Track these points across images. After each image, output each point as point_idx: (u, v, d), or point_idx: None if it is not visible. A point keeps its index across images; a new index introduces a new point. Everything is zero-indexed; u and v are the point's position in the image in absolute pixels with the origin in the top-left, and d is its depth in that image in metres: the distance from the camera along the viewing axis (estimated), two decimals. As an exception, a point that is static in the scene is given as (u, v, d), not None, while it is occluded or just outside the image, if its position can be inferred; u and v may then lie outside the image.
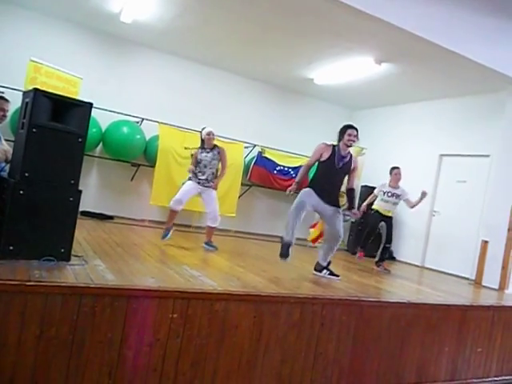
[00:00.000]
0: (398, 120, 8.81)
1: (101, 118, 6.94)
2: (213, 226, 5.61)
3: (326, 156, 4.58)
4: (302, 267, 5.31)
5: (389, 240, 6.34)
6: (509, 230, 6.01)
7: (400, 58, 6.37)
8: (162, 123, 7.35)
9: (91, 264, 3.39)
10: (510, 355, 4.71)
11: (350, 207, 4.97)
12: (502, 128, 6.42)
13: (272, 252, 6.45)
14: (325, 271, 4.71)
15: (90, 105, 3.43)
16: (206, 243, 5.58)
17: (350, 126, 4.67)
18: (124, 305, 2.81)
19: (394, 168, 6.42)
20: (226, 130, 8.07)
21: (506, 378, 4.68)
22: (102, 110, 6.79)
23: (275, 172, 8.48)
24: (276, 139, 8.72)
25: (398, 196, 6.34)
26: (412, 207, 6.43)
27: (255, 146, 8.41)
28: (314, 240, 5.82)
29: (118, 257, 3.97)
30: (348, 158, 4.67)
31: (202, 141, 5.59)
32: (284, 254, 4.56)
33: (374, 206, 6.46)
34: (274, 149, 8.57)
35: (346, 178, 4.82)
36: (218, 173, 5.61)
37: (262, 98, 8.89)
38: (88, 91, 6.54)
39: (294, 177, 8.63)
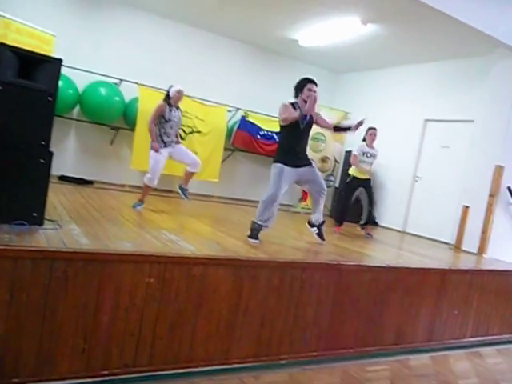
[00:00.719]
0: (383, 84, 8.67)
1: (77, 79, 6.67)
2: (193, 171, 5.38)
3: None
4: (285, 232, 5.29)
5: (372, 202, 6.32)
6: (490, 195, 6.04)
7: (386, 18, 6.18)
8: (141, 85, 7.10)
9: (66, 228, 3.29)
10: (485, 317, 4.82)
11: (348, 128, 4.72)
12: (486, 93, 6.35)
13: (254, 217, 6.43)
14: (314, 229, 4.66)
15: (60, 61, 3.24)
16: (181, 188, 5.39)
17: (310, 80, 4.33)
18: (98, 269, 2.75)
19: (370, 128, 6.31)
20: (207, 92, 7.88)
21: (481, 338, 4.80)
22: (78, 70, 6.52)
23: (259, 137, 8.34)
24: (260, 103, 8.53)
25: (374, 156, 6.30)
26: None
27: (238, 109, 8.23)
28: None
29: (94, 221, 3.88)
30: (309, 115, 4.30)
31: (169, 98, 5.19)
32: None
33: (350, 172, 6.32)
34: (257, 113, 8.40)
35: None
36: None
37: (246, 60, 8.64)
38: (62, 50, 6.19)
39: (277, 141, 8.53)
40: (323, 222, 4.69)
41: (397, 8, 5.72)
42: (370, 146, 6.30)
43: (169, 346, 3.02)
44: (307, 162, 4.41)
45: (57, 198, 4.79)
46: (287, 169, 4.21)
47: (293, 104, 4.34)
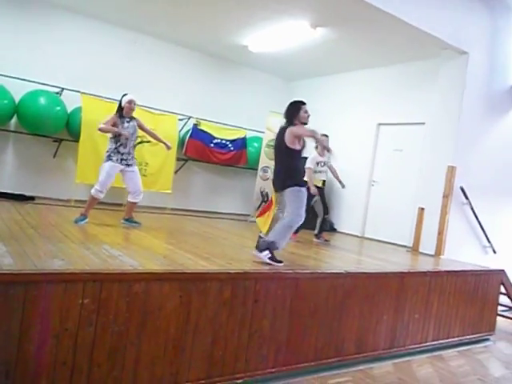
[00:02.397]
0: (336, 89, 8.67)
1: (13, 88, 6.23)
2: (133, 201, 5.17)
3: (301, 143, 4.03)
4: (240, 243, 5.06)
5: (326, 211, 6.22)
6: (443, 196, 6.05)
7: (336, 22, 6.14)
8: (84, 93, 6.74)
9: (-12, 248, 2.93)
10: (446, 319, 4.74)
11: None
12: (435, 95, 6.40)
13: (210, 228, 6.18)
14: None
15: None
16: (127, 220, 5.14)
17: (303, 102, 4.15)
18: (21, 292, 2.41)
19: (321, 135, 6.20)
20: (157, 101, 7.60)
21: (442, 341, 4.71)
22: (13, 78, 6.11)
23: (212, 145, 8.11)
24: (212, 111, 8.33)
25: (327, 163, 6.26)
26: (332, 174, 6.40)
27: (190, 117, 7.99)
28: None
29: (26, 239, 3.51)
30: None
31: (121, 109, 4.97)
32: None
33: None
34: (210, 121, 8.18)
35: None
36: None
37: (197, 67, 8.42)
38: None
39: (232, 150, 8.35)
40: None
41: (345, 11, 5.67)
42: (322, 154, 6.15)
43: (108, 373, 2.70)
44: None
45: (-12, 215, 4.37)
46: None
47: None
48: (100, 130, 4.89)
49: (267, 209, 4.12)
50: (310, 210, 6.20)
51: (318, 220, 6.24)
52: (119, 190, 7.26)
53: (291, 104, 4.15)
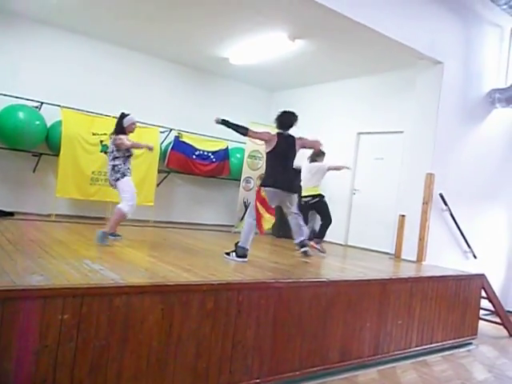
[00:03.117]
0: (316, 100, 8.77)
1: (-10, 103, 6.18)
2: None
3: None
4: (223, 254, 5.03)
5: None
6: (423, 203, 6.14)
7: (313, 33, 6.24)
8: (64, 107, 6.70)
9: (-35, 265, 2.88)
10: (429, 324, 4.79)
11: None
12: (413, 104, 6.53)
13: (192, 240, 6.16)
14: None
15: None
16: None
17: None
18: (-1, 309, 2.37)
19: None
20: (138, 113, 7.38)
21: (426, 347, 4.75)
22: (-9, 93, 6.05)
23: (194, 157, 8.12)
24: (194, 123, 8.34)
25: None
26: None
27: (171, 130, 7.99)
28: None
29: (4, 255, 3.46)
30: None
31: (123, 128, 4.99)
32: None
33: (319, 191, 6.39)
34: (192, 133, 8.20)
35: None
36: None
37: (177, 79, 8.45)
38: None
39: (214, 161, 8.37)
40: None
41: (322, 23, 5.77)
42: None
43: (90, 389, 2.66)
44: None
45: (-35, 232, 4.29)
46: None
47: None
48: (136, 146, 5.11)
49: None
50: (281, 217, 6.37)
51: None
52: (101, 204, 7.23)
53: (292, 113, 4.89)
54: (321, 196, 6.31)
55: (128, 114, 5.08)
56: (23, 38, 6.83)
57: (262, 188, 4.56)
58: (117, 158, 4.91)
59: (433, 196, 6.14)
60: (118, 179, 4.88)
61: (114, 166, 4.90)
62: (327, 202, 6.41)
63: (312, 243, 6.04)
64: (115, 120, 7.00)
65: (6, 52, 6.66)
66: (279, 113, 4.87)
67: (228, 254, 4.50)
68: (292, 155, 4.77)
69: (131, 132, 5.11)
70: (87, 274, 3.08)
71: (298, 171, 5.99)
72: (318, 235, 6.27)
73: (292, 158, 4.77)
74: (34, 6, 6.30)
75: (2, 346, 2.38)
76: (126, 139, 4.93)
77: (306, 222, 6.36)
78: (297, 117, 4.90)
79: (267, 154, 4.78)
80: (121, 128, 5.00)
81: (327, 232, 6.38)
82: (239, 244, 4.45)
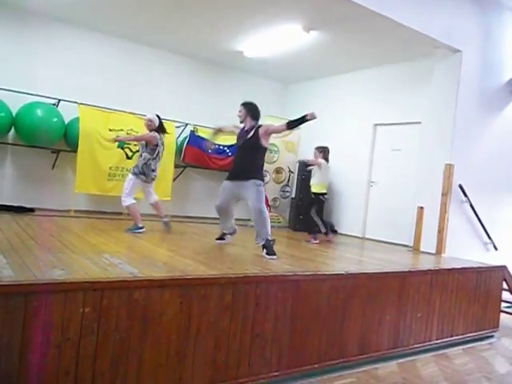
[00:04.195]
0: (332, 92, 8.69)
1: (10, 101, 6.26)
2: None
3: None
4: (241, 246, 5.06)
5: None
6: (442, 194, 6.05)
7: (328, 24, 6.17)
8: (81, 104, 6.76)
9: (-12, 260, 2.93)
10: (449, 317, 4.73)
11: (303, 118, 4.57)
12: (430, 94, 6.42)
13: (209, 234, 6.17)
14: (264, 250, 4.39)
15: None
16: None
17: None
18: (22, 303, 2.41)
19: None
20: (153, 109, 7.52)
21: (446, 340, 4.70)
22: (10, 91, 6.13)
23: (210, 151, 8.11)
24: (209, 117, 8.31)
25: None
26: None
27: (187, 124, 8.00)
28: None
29: (26, 250, 3.51)
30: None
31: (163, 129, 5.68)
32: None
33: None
34: (207, 127, 8.18)
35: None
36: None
37: (192, 74, 8.45)
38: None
39: (230, 155, 8.36)
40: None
41: (337, 14, 5.70)
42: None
43: (112, 382, 2.69)
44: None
45: (-13, 228, 4.38)
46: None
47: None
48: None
49: None
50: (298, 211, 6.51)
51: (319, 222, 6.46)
52: (119, 199, 7.29)
53: (255, 107, 4.79)
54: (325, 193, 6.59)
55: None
56: (40, 36, 6.90)
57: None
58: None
59: (452, 187, 6.05)
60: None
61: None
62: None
63: (312, 241, 6.21)
64: (131, 116, 7.11)
65: (24, 51, 6.74)
66: (252, 104, 4.84)
67: (268, 254, 4.32)
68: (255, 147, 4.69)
69: (147, 127, 5.62)
70: (106, 268, 3.12)
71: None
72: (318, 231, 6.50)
73: (255, 149, 4.70)
74: (51, 4, 6.36)
75: (25, 339, 2.42)
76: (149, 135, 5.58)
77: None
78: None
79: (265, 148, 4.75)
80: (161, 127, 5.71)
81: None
82: (265, 241, 4.40)
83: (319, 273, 3.77)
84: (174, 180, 7.85)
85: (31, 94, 6.49)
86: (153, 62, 7.96)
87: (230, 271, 3.40)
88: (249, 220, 8.25)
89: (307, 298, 3.57)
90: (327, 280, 3.72)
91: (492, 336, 5.29)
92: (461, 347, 4.79)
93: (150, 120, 5.54)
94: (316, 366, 3.63)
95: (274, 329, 3.38)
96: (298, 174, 8.48)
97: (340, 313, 3.78)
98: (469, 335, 4.98)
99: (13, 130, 6.48)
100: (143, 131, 7.39)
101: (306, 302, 3.56)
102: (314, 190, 6.50)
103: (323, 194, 6.47)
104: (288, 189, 8.71)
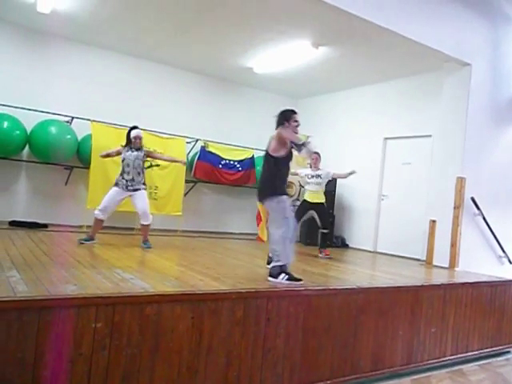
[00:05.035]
0: (341, 106, 8.73)
1: (25, 119, 6.40)
2: (146, 223, 5.50)
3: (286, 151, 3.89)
4: (251, 262, 5.05)
5: (324, 225, 6.37)
6: (454, 207, 6.00)
7: (337, 40, 6.24)
8: (94, 121, 6.88)
9: (3, 276, 2.97)
10: (464, 332, 4.66)
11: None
12: (440, 107, 6.42)
13: (220, 249, 6.19)
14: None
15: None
16: (143, 242, 5.44)
17: (295, 111, 3.98)
18: (35, 318, 2.43)
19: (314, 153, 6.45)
20: (165, 125, 7.73)
21: (461, 355, 4.61)
22: (25, 109, 6.27)
23: (220, 166, 8.18)
24: (219, 133, 8.43)
25: (318, 176, 6.42)
26: (343, 177, 6.67)
27: (198, 140, 8.08)
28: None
29: (40, 266, 3.55)
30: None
31: (129, 141, 5.50)
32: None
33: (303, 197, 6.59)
34: (217, 142, 8.27)
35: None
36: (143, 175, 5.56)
37: (202, 90, 8.56)
38: (7, 89, 6.03)
39: (240, 170, 8.41)
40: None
41: (346, 29, 5.76)
42: (314, 167, 6.49)
43: (123, 397, 2.70)
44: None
45: (2, 244, 4.45)
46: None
47: None
48: (101, 155, 5.68)
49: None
50: (310, 225, 6.41)
51: (319, 235, 6.47)
52: (130, 215, 7.34)
53: (286, 111, 3.97)
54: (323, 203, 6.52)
55: (134, 128, 5.55)
56: (54, 55, 7.06)
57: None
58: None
59: (464, 200, 6.00)
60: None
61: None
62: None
63: (320, 255, 6.19)
64: (142, 132, 7.19)
65: (38, 69, 6.91)
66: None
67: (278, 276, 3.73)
68: (265, 159, 4.05)
69: (137, 145, 5.51)
70: (118, 283, 3.14)
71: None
72: (323, 245, 6.36)
73: (265, 161, 4.04)
74: (64, 23, 6.50)
75: (38, 353, 2.44)
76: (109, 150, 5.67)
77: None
78: (285, 114, 3.97)
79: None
80: (128, 140, 5.52)
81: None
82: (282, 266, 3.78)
83: (331, 287, 3.75)
84: (185, 195, 7.90)
85: (45, 112, 6.63)
86: (164, 79, 8.09)
87: (241, 286, 3.40)
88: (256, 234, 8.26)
89: (319, 312, 3.54)
90: (339, 295, 3.69)
91: (508, 352, 5.18)
92: (476, 363, 4.70)
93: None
94: (328, 382, 3.59)
95: (286, 344, 3.36)
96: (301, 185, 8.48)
97: (352, 328, 3.74)
98: (484, 351, 4.88)
99: (27, 147, 6.59)
100: (154, 146, 7.53)
101: (317, 316, 3.53)
102: (322, 199, 6.45)
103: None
104: (298, 203, 8.69)
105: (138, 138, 5.48)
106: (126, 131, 5.59)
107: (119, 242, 5.70)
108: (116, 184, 5.42)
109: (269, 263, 4.09)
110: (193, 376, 2.95)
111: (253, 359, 3.21)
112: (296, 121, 3.93)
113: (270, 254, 4.13)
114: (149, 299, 2.82)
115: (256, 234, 8.21)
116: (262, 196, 3.94)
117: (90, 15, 6.13)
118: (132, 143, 5.47)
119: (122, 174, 5.44)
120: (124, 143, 5.55)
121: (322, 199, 6.42)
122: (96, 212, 5.31)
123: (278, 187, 3.89)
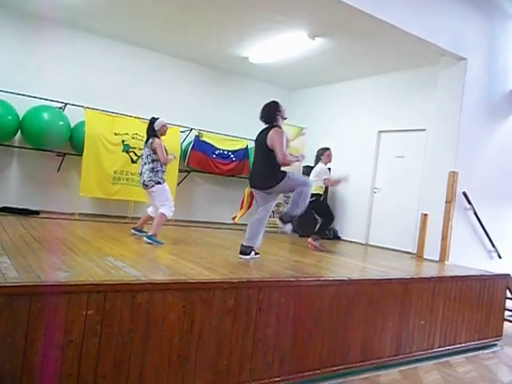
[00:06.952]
0: (336, 98, 8.73)
1: (17, 104, 6.32)
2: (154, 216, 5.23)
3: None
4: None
5: (320, 217, 6.29)
6: (446, 201, 6.05)
7: (334, 31, 6.21)
8: (87, 108, 6.82)
9: (-7, 262, 2.96)
10: (452, 325, 4.71)
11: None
12: (435, 101, 6.43)
13: (213, 239, 6.20)
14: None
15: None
16: (138, 230, 5.30)
17: (276, 101, 4.46)
18: (26, 304, 2.43)
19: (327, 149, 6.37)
20: (159, 113, 7.57)
21: (449, 348, 4.68)
22: (17, 94, 6.20)
23: (214, 156, 8.17)
24: (214, 122, 8.40)
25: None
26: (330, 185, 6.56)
27: (192, 129, 8.05)
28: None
29: (31, 252, 3.54)
30: None
31: (155, 131, 5.12)
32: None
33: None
34: (211, 132, 8.24)
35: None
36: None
37: (197, 79, 8.51)
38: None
39: (235, 160, 8.39)
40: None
41: (343, 21, 5.74)
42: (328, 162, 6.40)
43: (114, 384, 2.71)
44: None
45: (-7, 230, 4.42)
46: None
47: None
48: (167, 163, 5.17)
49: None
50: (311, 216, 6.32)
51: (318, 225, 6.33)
52: (124, 203, 7.33)
53: (269, 107, 4.38)
54: (318, 195, 6.18)
55: (158, 118, 5.20)
56: (47, 40, 6.97)
57: None
58: (155, 160, 5.03)
59: (456, 194, 6.04)
60: (158, 182, 5.01)
61: (152, 168, 5.02)
62: (324, 201, 6.42)
63: (309, 240, 6.03)
64: (136, 120, 7.15)
65: (31, 54, 6.82)
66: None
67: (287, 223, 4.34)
68: (259, 149, 4.37)
69: (163, 135, 5.22)
70: (110, 270, 3.13)
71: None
72: (316, 233, 6.20)
73: (261, 152, 4.32)
74: (59, 9, 6.42)
75: (28, 340, 2.43)
76: (159, 143, 5.04)
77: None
78: (274, 106, 4.39)
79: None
80: (153, 131, 5.12)
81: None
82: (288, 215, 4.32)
83: (322, 278, 3.77)
84: (178, 184, 7.88)
85: (38, 98, 6.55)
86: (158, 67, 8.02)
87: (233, 276, 3.42)
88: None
89: (309, 303, 3.57)
90: (329, 286, 3.72)
91: (495, 345, 5.26)
92: (463, 355, 4.77)
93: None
94: (318, 371, 3.62)
95: (276, 334, 3.39)
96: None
97: (342, 319, 3.78)
98: (472, 343, 4.95)
99: (19, 133, 6.53)
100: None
101: (308, 307, 3.56)
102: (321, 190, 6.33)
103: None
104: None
105: (166, 126, 5.23)
106: (147, 124, 5.23)
107: (111, 230, 5.68)
108: (164, 180, 5.12)
109: (241, 252, 4.37)
110: (183, 364, 2.97)
111: (243, 348, 3.23)
112: (283, 109, 4.38)
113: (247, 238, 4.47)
114: (140, 287, 2.82)
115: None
116: (270, 184, 4.27)
117: (85, 0, 6.04)
118: (159, 134, 5.13)
119: (164, 169, 5.15)
120: (148, 136, 5.13)
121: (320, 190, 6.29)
122: (171, 214, 5.08)
123: (278, 170, 4.24)
